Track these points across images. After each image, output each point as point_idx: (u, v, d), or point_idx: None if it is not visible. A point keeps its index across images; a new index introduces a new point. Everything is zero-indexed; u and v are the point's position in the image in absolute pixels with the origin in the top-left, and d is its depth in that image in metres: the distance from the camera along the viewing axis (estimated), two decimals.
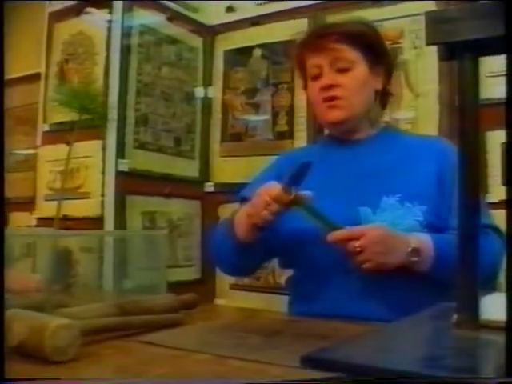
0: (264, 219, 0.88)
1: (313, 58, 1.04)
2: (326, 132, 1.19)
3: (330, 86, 1.02)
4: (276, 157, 1.21)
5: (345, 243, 0.87)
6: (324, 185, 1.03)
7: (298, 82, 1.97)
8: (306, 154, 1.15)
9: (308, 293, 1.02)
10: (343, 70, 1.02)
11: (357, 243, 0.86)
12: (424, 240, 0.91)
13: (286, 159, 1.16)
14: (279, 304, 1.71)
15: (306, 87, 1.12)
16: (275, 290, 1.85)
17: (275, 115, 2.00)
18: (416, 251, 0.89)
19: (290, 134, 1.96)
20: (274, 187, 0.87)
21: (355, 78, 1.02)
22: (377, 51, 1.06)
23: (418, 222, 0.95)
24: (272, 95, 2.00)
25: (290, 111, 1.96)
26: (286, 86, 1.98)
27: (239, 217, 0.97)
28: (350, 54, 1.02)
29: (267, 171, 1.16)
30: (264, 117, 2.02)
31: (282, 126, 1.98)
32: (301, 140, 1.91)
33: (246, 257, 1.00)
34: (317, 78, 1.04)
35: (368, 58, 1.04)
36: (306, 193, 0.86)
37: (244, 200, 1.04)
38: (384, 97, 1.11)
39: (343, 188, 1.01)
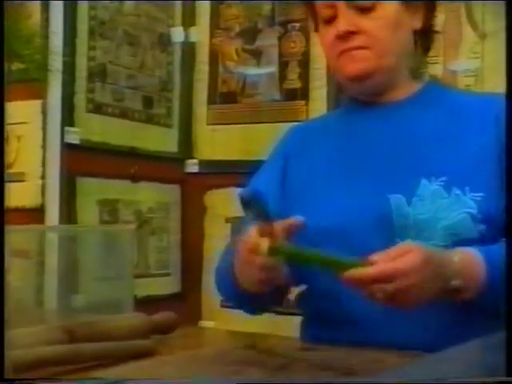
0: (260, 281, 0.90)
1: None
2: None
3: (350, 34, 1.01)
4: (286, 129, 1.21)
5: (369, 285, 0.85)
6: (343, 166, 1.03)
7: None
8: (323, 126, 1.16)
9: (326, 312, 1.02)
10: (365, 10, 1.01)
11: (389, 287, 0.84)
12: (473, 267, 0.90)
13: (296, 133, 1.16)
14: (288, 327, 1.72)
15: (317, 29, 1.12)
16: (283, 308, 1.86)
17: (283, 66, 1.99)
18: (458, 290, 0.89)
19: (303, 93, 1.95)
20: (250, 233, 0.88)
21: (383, 18, 1.02)
22: None
23: (470, 215, 0.95)
24: (279, 39, 1.99)
25: (304, 61, 1.95)
26: (297, 25, 1.97)
27: (238, 263, 0.97)
28: None
29: (274, 155, 1.16)
30: (268, 69, 2.01)
31: (293, 81, 1.97)
32: (318, 101, 1.90)
33: (264, 302, 1.04)
34: (330, 21, 1.03)
35: None
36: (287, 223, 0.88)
37: (248, 203, 1.06)
38: (426, 38, 1.11)
39: (368, 169, 1.01)
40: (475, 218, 0.95)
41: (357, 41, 1.01)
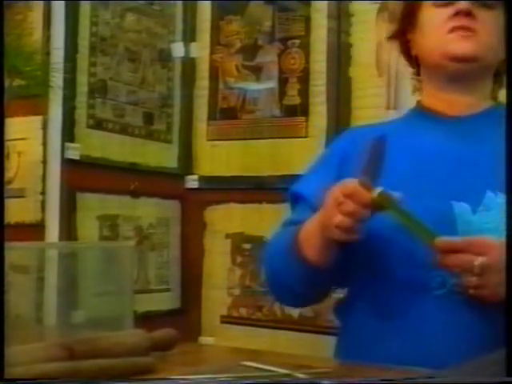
0: (342, 226, 0.90)
1: None
2: (415, 103, 1.20)
3: (468, 14, 1.05)
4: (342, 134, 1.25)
5: (457, 255, 0.90)
6: (407, 172, 1.04)
7: (316, 36, 2.00)
8: (386, 131, 1.17)
9: (374, 330, 1.01)
10: (485, 6, 1.06)
11: (478, 260, 0.88)
12: None
13: (355, 136, 1.17)
14: (289, 343, 1.70)
15: (400, 34, 1.16)
16: (283, 324, 1.84)
17: (283, 83, 1.99)
18: None
19: (303, 109, 1.94)
20: (349, 182, 0.91)
21: (498, 21, 1.06)
22: None
23: None
24: (279, 55, 1.99)
25: (304, 77, 1.95)
26: (298, 42, 1.97)
27: (307, 230, 0.99)
28: None
29: (330, 155, 1.17)
30: (268, 85, 2.01)
31: (293, 97, 1.97)
32: (319, 116, 1.90)
33: (317, 285, 1.04)
34: (445, 5, 1.07)
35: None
36: (394, 193, 0.90)
37: (298, 199, 1.07)
38: (498, 74, 1.14)
39: (433, 178, 1.03)
40: None
41: (473, 23, 1.05)
